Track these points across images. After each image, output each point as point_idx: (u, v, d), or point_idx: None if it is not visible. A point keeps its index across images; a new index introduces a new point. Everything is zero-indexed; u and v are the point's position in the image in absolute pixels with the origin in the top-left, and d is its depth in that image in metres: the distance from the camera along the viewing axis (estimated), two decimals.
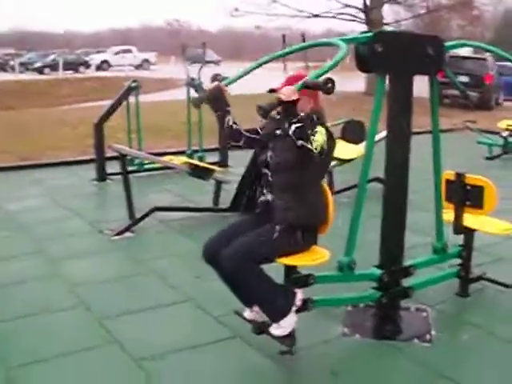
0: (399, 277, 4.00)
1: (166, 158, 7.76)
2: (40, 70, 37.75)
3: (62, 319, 4.25)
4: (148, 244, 5.94)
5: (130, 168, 8.71)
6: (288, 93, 3.18)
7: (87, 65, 41.21)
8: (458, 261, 4.47)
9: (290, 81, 3.45)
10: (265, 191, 3.54)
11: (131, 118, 9.13)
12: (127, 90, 8.78)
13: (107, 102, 9.45)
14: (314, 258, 3.49)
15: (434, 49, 3.75)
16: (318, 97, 3.51)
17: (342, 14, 20.56)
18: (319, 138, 3.27)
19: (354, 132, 10.18)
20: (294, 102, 3.22)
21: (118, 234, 6.16)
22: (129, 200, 6.34)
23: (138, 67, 43.96)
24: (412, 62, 3.68)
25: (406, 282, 4.07)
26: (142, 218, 6.35)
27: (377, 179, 7.10)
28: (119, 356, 3.72)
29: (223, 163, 9.84)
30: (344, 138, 10.26)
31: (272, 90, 3.46)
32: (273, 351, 3.64)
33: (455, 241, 4.52)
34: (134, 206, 6.39)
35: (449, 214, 4.44)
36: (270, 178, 3.50)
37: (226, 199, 6.81)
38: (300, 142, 3.19)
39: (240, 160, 10.36)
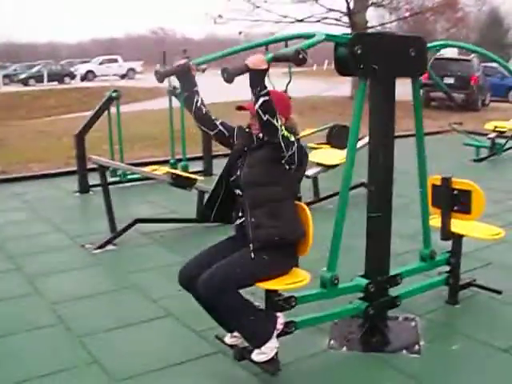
0: (386, 286, 3.87)
1: (149, 168, 7.60)
2: (25, 82, 37.44)
3: (40, 338, 4.08)
4: (130, 257, 5.78)
5: (112, 179, 8.58)
6: (255, 60, 3.00)
7: (72, 75, 40.95)
8: (447, 268, 4.35)
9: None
10: (240, 214, 3.39)
11: (113, 128, 8.98)
12: (107, 100, 8.63)
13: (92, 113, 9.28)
14: (294, 282, 3.33)
15: (417, 50, 3.63)
16: (286, 110, 3.36)
17: (326, 18, 20.47)
18: (288, 133, 3.14)
19: (339, 137, 10.06)
20: (263, 71, 3.02)
21: (99, 248, 6.00)
22: (109, 212, 6.19)
23: (123, 77, 43.70)
24: (393, 64, 3.56)
25: (393, 291, 3.94)
26: (124, 230, 6.19)
27: (362, 184, 7.02)
28: (98, 378, 3.56)
29: (207, 172, 9.71)
30: (329, 143, 10.19)
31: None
32: (257, 367, 3.48)
33: (443, 247, 4.40)
34: (115, 218, 6.24)
35: (436, 220, 4.32)
36: (242, 200, 3.36)
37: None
38: (266, 117, 3.01)
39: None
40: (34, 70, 40.14)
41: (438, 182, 4.25)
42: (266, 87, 3.03)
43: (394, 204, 3.88)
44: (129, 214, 6.74)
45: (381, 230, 3.82)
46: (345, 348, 3.81)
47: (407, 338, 3.90)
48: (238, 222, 3.41)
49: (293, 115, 3.44)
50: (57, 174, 9.86)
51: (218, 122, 3.46)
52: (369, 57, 3.42)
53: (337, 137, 10.31)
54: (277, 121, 3.05)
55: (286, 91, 10.85)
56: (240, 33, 20.30)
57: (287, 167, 3.22)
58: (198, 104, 3.42)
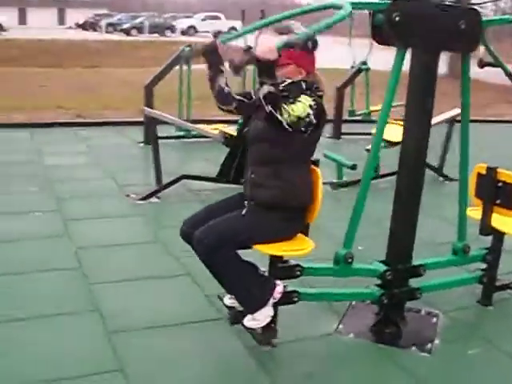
0: (406, 276, 3.60)
1: (209, 127, 7.52)
2: (127, 32, 38.33)
3: (52, 280, 4.13)
4: (168, 212, 5.75)
5: (177, 133, 8.60)
6: (264, 49, 2.75)
7: (173, 29, 41.47)
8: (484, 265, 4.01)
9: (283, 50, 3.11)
10: (248, 168, 3.22)
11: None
12: (179, 55, 8.55)
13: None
14: (294, 248, 3.15)
15: (468, 23, 3.27)
16: (309, 65, 3.13)
17: None
18: (298, 108, 2.90)
19: None
20: (273, 63, 2.79)
21: (142, 199, 6.00)
22: (157, 166, 6.16)
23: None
24: (437, 37, 3.22)
25: (416, 283, 3.67)
26: (169, 184, 6.16)
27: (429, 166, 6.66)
28: (93, 326, 3.54)
29: (336, 135, 9.56)
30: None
31: (250, 48, 3.10)
32: (253, 340, 3.35)
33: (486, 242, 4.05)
34: (169, 172, 6.24)
35: (477, 212, 3.97)
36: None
37: None
38: (269, 108, 2.82)
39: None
40: (137, 20, 40.98)
41: (483, 172, 3.89)
42: (274, 77, 2.81)
43: (450, 189, 3.57)
44: (183, 169, 6.70)
45: (406, 214, 3.54)
46: (352, 335, 3.60)
47: (422, 335, 3.63)
48: (246, 177, 3.24)
49: (317, 71, 3.20)
50: (128, 123, 9.96)
51: (234, 94, 3.24)
52: (408, 26, 3.10)
53: None
54: (281, 114, 2.84)
55: (365, 62, 10.40)
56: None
57: (302, 129, 3.00)
58: (222, 85, 3.13)
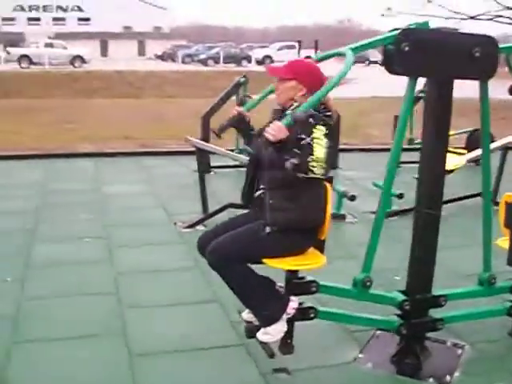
0: (425, 306, 3.56)
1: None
2: (204, 62, 39.37)
3: (89, 304, 4.33)
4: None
5: (234, 163, 8.78)
6: (275, 133, 2.85)
7: (249, 59, 42.24)
8: None
9: (289, 63, 3.26)
10: (261, 186, 3.29)
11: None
12: (236, 85, 8.78)
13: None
14: (305, 263, 3.20)
15: (483, 51, 3.25)
16: (312, 84, 3.14)
17: (501, 16, 19.04)
18: (319, 152, 2.92)
19: (478, 142, 9.40)
20: (286, 140, 2.88)
21: (189, 227, 6.17)
22: (203, 194, 6.35)
23: None
24: (449, 65, 3.22)
25: (438, 313, 3.61)
26: (215, 213, 6.29)
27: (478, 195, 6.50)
28: (118, 349, 3.69)
29: (333, 165, 9.54)
30: (467, 147, 9.56)
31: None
32: (270, 366, 3.40)
33: None
34: (207, 200, 6.40)
35: (507, 242, 3.87)
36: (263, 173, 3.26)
37: None
38: (301, 175, 2.91)
39: (352, 163, 10.05)
40: (213, 51, 42.05)
41: (511, 200, 3.80)
42: (293, 150, 2.88)
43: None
44: (233, 198, 6.82)
45: (425, 244, 3.51)
46: (370, 364, 3.57)
47: (443, 366, 3.55)
48: (258, 193, 3.31)
49: (329, 95, 3.23)
50: (189, 153, 10.20)
51: None
52: (417, 55, 3.12)
53: (477, 142, 9.65)
54: (312, 172, 2.89)
55: (423, 91, 10.19)
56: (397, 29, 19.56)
57: None
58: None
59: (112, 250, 5.43)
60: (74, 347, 3.69)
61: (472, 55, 3.23)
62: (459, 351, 3.73)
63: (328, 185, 3.30)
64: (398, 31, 3.13)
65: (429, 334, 3.73)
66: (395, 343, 3.69)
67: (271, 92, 3.70)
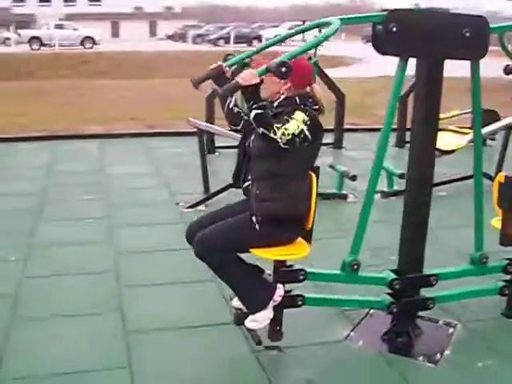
0: (416, 286, 3.59)
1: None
2: (214, 42, 39.22)
3: (87, 282, 4.41)
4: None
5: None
6: (247, 76, 2.90)
7: (260, 39, 41.98)
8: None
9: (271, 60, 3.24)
10: (249, 177, 3.34)
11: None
12: (241, 66, 8.75)
13: None
14: (290, 253, 3.26)
15: (473, 31, 3.24)
16: (298, 79, 3.20)
17: None
18: (291, 126, 3.02)
19: (484, 122, 9.37)
20: (256, 86, 2.93)
21: (190, 207, 6.22)
22: (204, 175, 6.39)
23: None
24: (438, 46, 3.21)
25: (430, 292, 3.65)
26: (217, 193, 6.34)
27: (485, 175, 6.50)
28: (114, 326, 3.77)
29: (337, 145, 9.56)
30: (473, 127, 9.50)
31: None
32: (262, 344, 3.46)
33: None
34: (209, 180, 6.43)
35: (499, 222, 3.89)
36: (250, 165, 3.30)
37: None
38: (261, 130, 2.95)
39: (356, 142, 10.05)
40: (224, 31, 41.85)
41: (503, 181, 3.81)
42: (259, 101, 2.94)
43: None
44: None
45: (415, 223, 3.54)
46: (361, 342, 3.62)
47: (434, 345, 3.60)
48: (245, 185, 3.36)
49: (317, 85, 3.30)
50: (195, 133, 10.25)
51: (244, 117, 3.38)
52: (405, 36, 3.13)
53: (483, 122, 9.60)
54: (274, 133, 2.96)
55: None
56: (416, 5, 19.42)
57: (297, 146, 3.10)
58: (231, 105, 3.38)
59: (113, 230, 5.50)
60: (71, 324, 3.78)
61: (462, 35, 3.23)
62: (451, 330, 3.78)
63: (313, 175, 3.32)
64: (387, 11, 3.13)
65: (422, 313, 3.79)
66: (388, 322, 3.74)
67: (254, 53, 3.81)
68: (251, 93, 2.94)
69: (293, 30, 3.74)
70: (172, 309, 4.02)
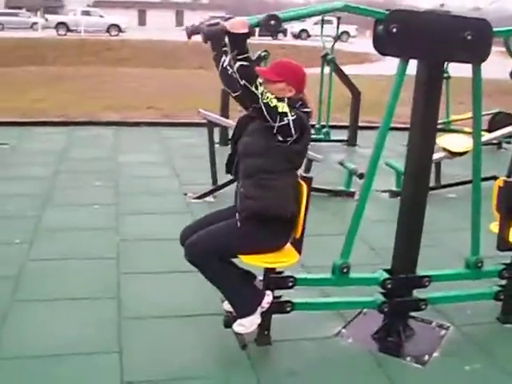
0: (408, 286, 3.61)
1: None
2: None
3: (89, 268, 4.48)
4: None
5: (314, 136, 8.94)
6: (236, 24, 2.88)
7: (285, 33, 41.89)
8: None
9: (274, 66, 3.30)
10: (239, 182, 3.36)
11: None
12: (257, 59, 8.78)
13: None
14: (276, 260, 3.28)
15: (475, 34, 3.23)
16: (299, 84, 3.25)
17: None
18: (278, 102, 3.02)
19: (501, 125, 9.33)
20: (244, 35, 2.89)
21: (198, 198, 6.28)
22: (212, 166, 6.43)
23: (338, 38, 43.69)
24: (438, 48, 3.21)
25: (423, 294, 3.67)
26: (225, 185, 6.37)
27: (493, 178, 6.47)
28: (110, 312, 3.84)
29: (350, 142, 9.56)
30: (490, 130, 9.46)
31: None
32: (252, 337, 3.50)
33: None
34: (217, 172, 6.47)
35: (497, 226, 3.88)
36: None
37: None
38: (243, 82, 2.91)
39: (370, 140, 9.96)
40: None
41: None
42: (246, 52, 2.91)
43: None
44: None
45: (409, 223, 3.55)
46: (351, 340, 3.65)
47: (423, 346, 3.61)
48: (237, 188, 3.38)
49: (305, 92, 3.32)
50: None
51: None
52: (406, 37, 3.13)
53: (498, 124, 9.56)
54: (256, 88, 2.93)
55: (445, 71, 10.16)
56: (442, 5, 19.24)
57: (281, 139, 3.10)
58: (225, 64, 3.35)
59: (119, 217, 5.58)
60: (68, 308, 3.86)
61: (464, 38, 3.22)
62: (442, 332, 3.79)
63: (304, 184, 3.30)
64: (388, 12, 3.13)
65: (416, 314, 3.80)
66: (381, 321, 3.76)
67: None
68: (237, 42, 2.90)
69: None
70: (169, 297, 4.07)
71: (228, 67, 3.33)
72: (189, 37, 3.44)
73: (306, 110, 3.24)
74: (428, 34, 3.17)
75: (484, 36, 3.28)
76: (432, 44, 3.19)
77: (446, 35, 3.19)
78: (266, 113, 3.00)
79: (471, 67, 3.42)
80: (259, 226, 3.22)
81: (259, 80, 2.97)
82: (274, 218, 3.20)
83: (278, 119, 3.03)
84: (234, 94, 3.39)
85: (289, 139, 3.11)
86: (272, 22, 2.86)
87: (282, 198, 3.19)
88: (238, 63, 2.90)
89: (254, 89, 2.93)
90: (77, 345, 3.42)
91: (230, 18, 3.51)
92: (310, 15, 3.17)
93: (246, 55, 2.91)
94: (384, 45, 3.19)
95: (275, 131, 3.07)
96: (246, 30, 2.89)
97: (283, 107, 3.06)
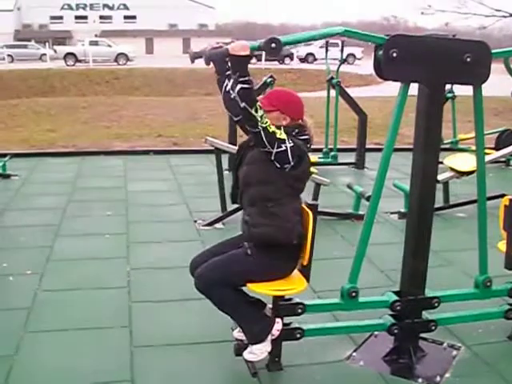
0: (417, 307, 3.61)
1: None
2: None
3: (100, 297, 4.52)
4: (227, 237, 5.97)
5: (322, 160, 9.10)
6: (237, 46, 2.94)
7: (291, 57, 42.19)
8: None
9: (269, 95, 3.39)
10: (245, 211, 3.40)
11: None
12: (263, 85, 8.88)
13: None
14: (286, 288, 3.30)
15: (475, 56, 3.28)
16: (294, 112, 3.31)
17: None
18: (275, 129, 3.07)
19: (508, 143, 9.36)
20: (245, 58, 2.95)
21: (208, 225, 6.32)
22: (222, 193, 6.48)
23: (343, 61, 43.93)
24: (438, 71, 3.26)
25: (432, 315, 3.68)
26: (234, 211, 6.41)
27: (502, 195, 6.47)
28: (121, 340, 3.87)
29: (358, 165, 9.59)
30: (497, 148, 9.49)
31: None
32: (263, 362, 3.51)
33: None
34: (226, 199, 6.49)
35: (505, 245, 3.89)
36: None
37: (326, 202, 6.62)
38: (243, 104, 2.94)
39: (378, 162, 9.97)
40: None
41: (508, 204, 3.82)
42: (246, 75, 2.94)
43: None
44: None
45: (417, 245, 3.57)
46: (362, 362, 3.65)
47: (435, 367, 3.60)
48: (242, 218, 3.42)
49: (306, 118, 3.37)
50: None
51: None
52: (406, 61, 3.18)
53: (506, 142, 9.58)
54: (256, 111, 2.96)
55: (451, 90, 10.15)
56: (447, 24, 19.41)
57: (278, 166, 3.14)
58: (227, 88, 3.37)
59: (130, 246, 5.62)
60: (80, 338, 3.88)
61: (464, 61, 3.27)
62: (454, 352, 3.78)
63: (310, 212, 3.32)
64: (388, 37, 3.19)
65: (427, 335, 3.80)
66: (391, 343, 3.76)
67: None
68: (238, 64, 2.95)
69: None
70: (180, 325, 4.09)
71: (230, 91, 3.34)
72: (192, 60, 3.51)
73: (303, 137, 3.27)
74: (428, 57, 3.22)
75: (483, 58, 3.33)
76: (432, 68, 3.24)
77: (446, 58, 3.25)
78: (264, 137, 3.03)
79: (472, 88, 3.48)
80: (267, 254, 3.25)
81: (259, 104, 3.01)
82: (281, 245, 3.24)
83: (276, 145, 3.07)
84: (235, 119, 3.42)
85: (286, 166, 3.15)
86: (273, 45, 2.91)
87: (287, 224, 3.23)
88: (239, 85, 2.94)
89: (253, 111, 2.96)
90: (89, 374, 3.44)
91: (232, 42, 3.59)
92: (310, 39, 3.21)
93: (246, 78, 2.94)
94: (384, 69, 3.24)
95: (273, 158, 3.11)
96: (246, 53, 2.95)
97: (281, 134, 3.10)
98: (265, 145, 3.06)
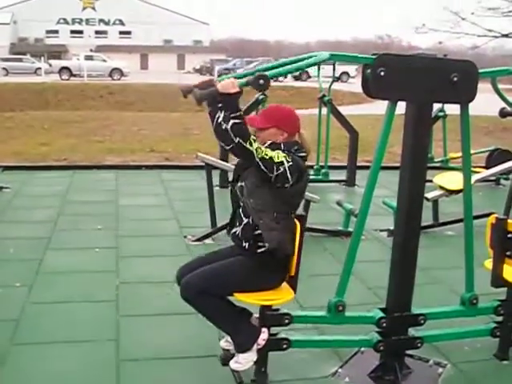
0: (403, 324, 3.63)
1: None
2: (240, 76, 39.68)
3: (89, 311, 4.52)
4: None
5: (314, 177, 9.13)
6: (227, 85, 2.98)
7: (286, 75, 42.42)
8: None
9: (264, 112, 3.44)
10: (236, 223, 3.43)
11: None
12: (255, 102, 8.94)
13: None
14: (273, 298, 3.32)
15: (462, 75, 3.34)
16: (291, 127, 3.35)
17: None
18: (272, 152, 3.11)
19: (498, 162, 9.42)
20: (235, 95, 2.99)
21: (197, 240, 6.33)
22: (211, 209, 6.50)
23: (337, 79, 44.22)
24: (426, 90, 3.32)
25: (419, 332, 3.69)
26: (222, 227, 6.42)
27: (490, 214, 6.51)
28: (108, 354, 3.86)
29: (349, 182, 9.63)
30: (487, 167, 9.56)
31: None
32: (249, 378, 3.52)
33: None
34: (216, 214, 6.53)
35: (491, 263, 3.92)
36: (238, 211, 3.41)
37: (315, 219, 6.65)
38: (237, 139, 2.98)
39: None
40: (251, 65, 42.31)
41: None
42: (237, 110, 2.99)
43: None
44: None
45: (403, 262, 3.59)
46: (347, 379, 3.66)
47: None
48: (233, 230, 3.44)
49: (303, 131, 3.40)
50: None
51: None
52: (393, 80, 3.23)
53: (496, 161, 9.65)
54: (250, 144, 3.01)
55: (442, 110, 10.20)
56: (440, 43, 19.65)
57: (279, 185, 3.18)
58: (219, 120, 3.28)
59: (119, 260, 5.62)
60: (66, 350, 3.88)
61: (451, 80, 3.32)
62: (440, 370, 3.79)
63: (297, 222, 3.37)
64: (375, 56, 3.24)
65: (413, 352, 3.81)
66: (377, 360, 3.77)
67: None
68: (230, 102, 2.99)
69: (286, 60, 3.55)
70: (168, 339, 4.09)
71: (222, 123, 3.25)
72: (184, 96, 3.55)
73: (301, 154, 3.31)
74: (415, 76, 3.27)
75: (470, 77, 3.39)
76: (419, 86, 3.29)
77: (433, 77, 3.30)
78: (263, 167, 3.09)
79: (459, 107, 3.53)
80: (255, 265, 3.29)
81: (253, 137, 3.06)
82: (270, 259, 3.27)
83: (275, 169, 3.11)
84: (227, 148, 3.40)
85: (286, 185, 3.19)
86: (261, 82, 2.96)
87: (278, 239, 3.25)
88: (232, 121, 2.98)
89: (248, 145, 3.01)
90: None
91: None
92: (298, 70, 3.25)
93: (238, 113, 2.99)
94: (372, 88, 3.29)
95: (272, 180, 3.16)
96: (236, 90, 3.00)
97: (278, 157, 3.13)
98: (264, 171, 3.11)
